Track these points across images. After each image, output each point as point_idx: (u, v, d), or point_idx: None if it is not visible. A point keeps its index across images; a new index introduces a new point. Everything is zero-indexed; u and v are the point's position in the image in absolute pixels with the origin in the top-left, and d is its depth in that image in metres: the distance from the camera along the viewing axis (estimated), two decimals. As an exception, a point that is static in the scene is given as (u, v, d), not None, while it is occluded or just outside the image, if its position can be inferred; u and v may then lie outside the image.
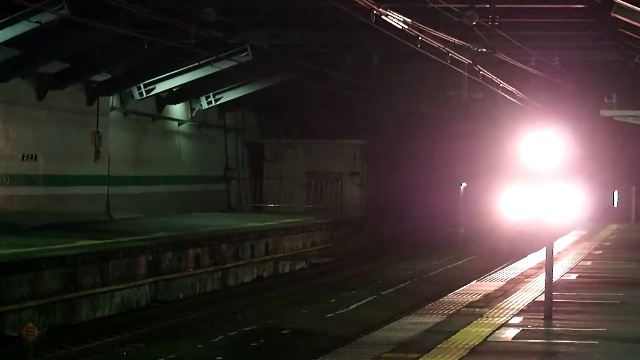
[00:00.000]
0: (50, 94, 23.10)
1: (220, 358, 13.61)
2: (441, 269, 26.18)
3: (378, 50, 28.41)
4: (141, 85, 26.08)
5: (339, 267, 27.31)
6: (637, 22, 16.69)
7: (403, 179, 33.51)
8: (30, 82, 22.57)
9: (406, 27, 16.93)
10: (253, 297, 20.09)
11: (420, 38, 17.83)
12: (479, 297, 13.37)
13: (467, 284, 16.03)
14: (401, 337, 9.74)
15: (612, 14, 16.61)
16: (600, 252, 21.73)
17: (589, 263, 18.99)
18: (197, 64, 25.37)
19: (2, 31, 18.94)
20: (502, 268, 19.29)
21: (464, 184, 37.04)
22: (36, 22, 18.51)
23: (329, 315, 17.51)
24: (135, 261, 18.15)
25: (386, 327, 11.19)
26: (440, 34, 18.44)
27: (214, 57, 24.49)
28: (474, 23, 18.53)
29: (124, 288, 17.56)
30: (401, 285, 22.37)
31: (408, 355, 8.63)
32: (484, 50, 20.22)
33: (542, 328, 10.68)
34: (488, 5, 19.07)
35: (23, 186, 22.29)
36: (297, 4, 22.58)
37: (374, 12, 15.69)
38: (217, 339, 14.98)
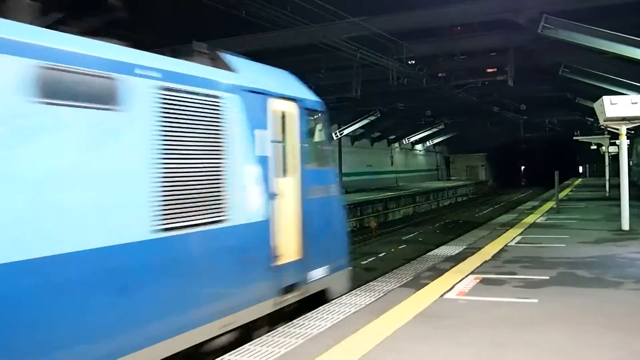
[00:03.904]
0: (360, 142, 48.97)
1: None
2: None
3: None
4: (405, 138, 55.07)
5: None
6: (589, 105, 30.31)
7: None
8: (347, 138, 46.52)
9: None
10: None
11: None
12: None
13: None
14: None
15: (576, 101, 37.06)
16: (575, 189, 41.51)
17: (572, 193, 39.02)
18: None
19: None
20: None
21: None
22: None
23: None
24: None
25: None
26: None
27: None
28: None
29: (404, 208, 40.95)
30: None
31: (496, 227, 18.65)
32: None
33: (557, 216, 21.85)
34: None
35: (367, 176, 48.34)
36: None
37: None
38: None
